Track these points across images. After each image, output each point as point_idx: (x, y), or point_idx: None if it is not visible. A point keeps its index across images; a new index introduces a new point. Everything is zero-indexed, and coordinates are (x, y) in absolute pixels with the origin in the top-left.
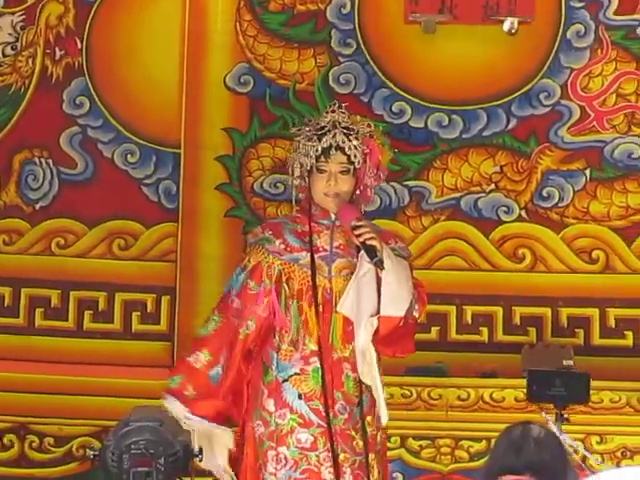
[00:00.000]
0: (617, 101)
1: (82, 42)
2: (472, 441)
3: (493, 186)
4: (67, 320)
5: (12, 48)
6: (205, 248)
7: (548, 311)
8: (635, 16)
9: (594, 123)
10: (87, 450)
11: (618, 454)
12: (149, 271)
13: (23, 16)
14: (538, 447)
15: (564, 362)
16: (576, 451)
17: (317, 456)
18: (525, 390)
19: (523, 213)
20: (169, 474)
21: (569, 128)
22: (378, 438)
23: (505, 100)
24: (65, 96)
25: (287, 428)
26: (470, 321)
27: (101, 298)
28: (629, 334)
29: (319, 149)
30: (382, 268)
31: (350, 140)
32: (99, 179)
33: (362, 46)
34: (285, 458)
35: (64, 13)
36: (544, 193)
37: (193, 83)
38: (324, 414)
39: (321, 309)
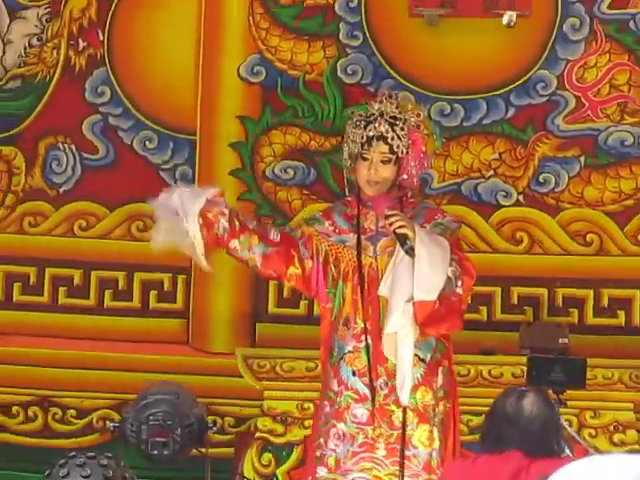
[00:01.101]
0: (610, 91)
1: (104, 34)
2: (471, 415)
3: (492, 172)
4: (88, 298)
5: (38, 39)
6: None
7: (544, 291)
8: (628, 10)
9: (589, 112)
10: (107, 422)
11: (611, 428)
12: (166, 252)
13: (48, 9)
14: (531, 417)
15: (560, 340)
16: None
17: (373, 430)
18: (524, 369)
19: (521, 198)
20: (185, 444)
21: (565, 117)
22: (440, 408)
23: (504, 90)
24: (87, 85)
25: (344, 404)
26: (470, 300)
27: (120, 277)
28: (621, 313)
29: (364, 137)
30: (413, 255)
31: (394, 130)
32: (119, 164)
33: (369, 38)
34: (343, 434)
35: (87, 6)
36: (541, 179)
37: (208, 73)
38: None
39: (367, 287)
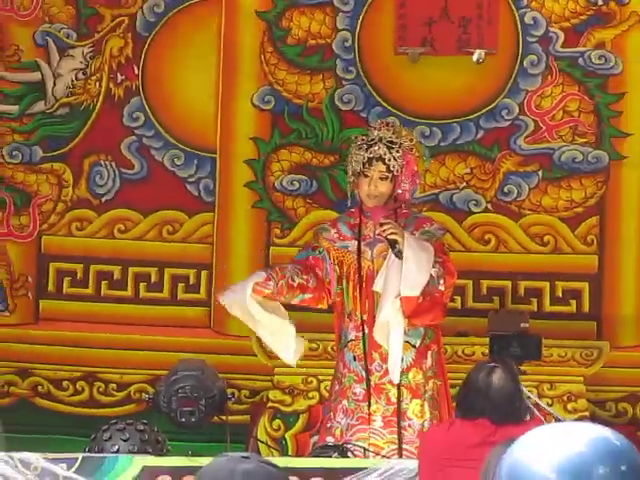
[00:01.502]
0: (563, 116)
1: (138, 69)
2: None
3: (465, 184)
4: (127, 290)
5: (83, 73)
6: (236, 233)
7: (509, 284)
8: (577, 49)
9: (545, 134)
10: (143, 394)
11: (565, 398)
12: (191, 251)
13: (92, 48)
14: (497, 389)
15: (521, 325)
16: (530, 398)
17: (369, 406)
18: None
19: (489, 206)
20: (208, 413)
21: (525, 138)
22: (429, 385)
23: (474, 115)
24: (125, 112)
25: (347, 384)
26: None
27: (153, 273)
28: (573, 302)
29: (365, 157)
30: (401, 257)
31: (391, 152)
32: (152, 178)
33: (361, 73)
34: (346, 409)
35: (124, 46)
36: (505, 190)
37: (226, 101)
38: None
39: (365, 285)
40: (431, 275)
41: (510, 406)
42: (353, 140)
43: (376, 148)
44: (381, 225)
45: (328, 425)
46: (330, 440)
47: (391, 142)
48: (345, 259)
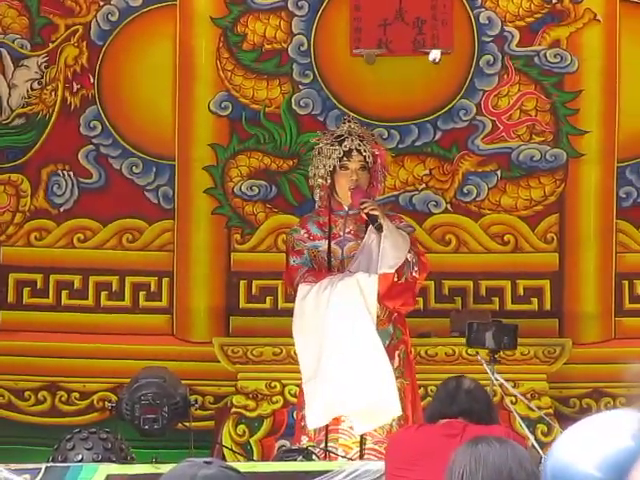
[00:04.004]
0: (520, 116)
1: (94, 77)
2: None
3: (424, 185)
4: (88, 299)
5: (38, 83)
6: (196, 240)
7: (470, 284)
8: (533, 47)
9: (503, 134)
10: (106, 402)
11: (528, 396)
12: (152, 259)
13: (46, 57)
14: (469, 397)
15: None
16: (505, 389)
17: None
18: (455, 349)
19: (449, 206)
20: (172, 419)
21: (483, 138)
22: (397, 385)
23: (432, 117)
24: (81, 121)
25: None
26: None
27: (114, 281)
28: (534, 300)
29: (341, 151)
30: (381, 231)
31: (364, 144)
32: (110, 187)
33: (317, 76)
34: None
35: (79, 55)
36: (465, 190)
37: (183, 109)
38: None
39: None
40: (407, 259)
41: (480, 411)
42: (317, 141)
43: (350, 141)
44: (362, 204)
45: (302, 424)
46: (304, 440)
47: (360, 136)
48: (316, 258)
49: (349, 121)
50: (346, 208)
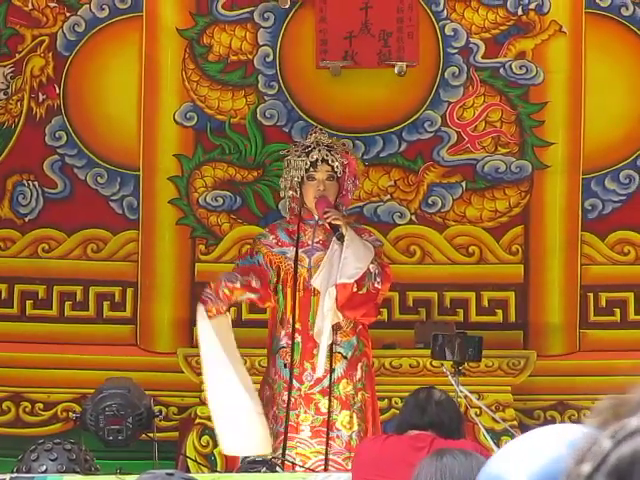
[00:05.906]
0: (486, 127)
1: (60, 88)
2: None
3: (389, 196)
4: (52, 309)
5: (4, 94)
6: (161, 250)
7: (435, 295)
8: (498, 59)
9: (468, 145)
10: (70, 413)
11: (493, 408)
12: (116, 269)
13: (12, 68)
14: (439, 408)
15: None
16: (470, 400)
17: (297, 414)
18: (419, 360)
19: (413, 217)
20: (136, 430)
21: (448, 149)
22: (358, 397)
23: (397, 128)
24: (47, 131)
25: (277, 391)
26: None
27: (78, 291)
28: (499, 312)
29: (308, 162)
30: (342, 241)
31: (332, 154)
32: (75, 197)
33: (283, 88)
34: (276, 416)
35: (45, 65)
36: (429, 201)
37: (148, 119)
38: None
39: (302, 294)
40: (369, 269)
41: (449, 423)
42: (285, 153)
43: (317, 151)
44: (325, 213)
45: None
46: None
47: (329, 145)
48: (282, 265)
49: (317, 132)
50: (316, 217)
